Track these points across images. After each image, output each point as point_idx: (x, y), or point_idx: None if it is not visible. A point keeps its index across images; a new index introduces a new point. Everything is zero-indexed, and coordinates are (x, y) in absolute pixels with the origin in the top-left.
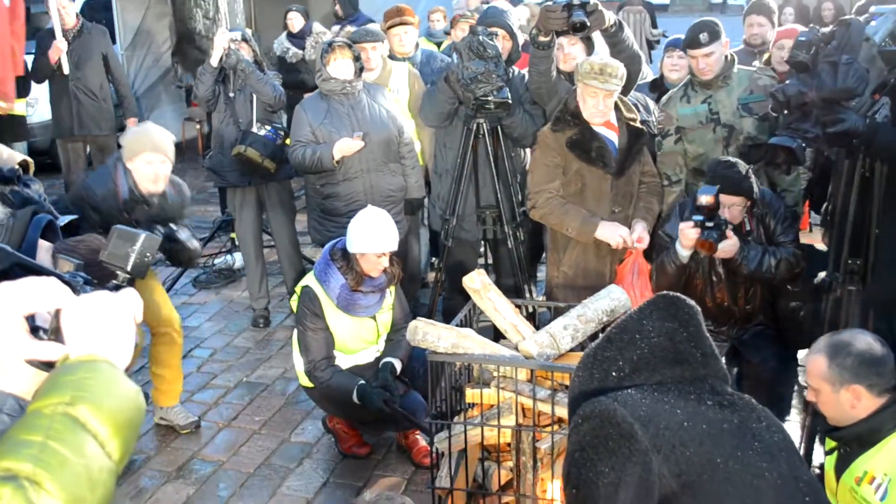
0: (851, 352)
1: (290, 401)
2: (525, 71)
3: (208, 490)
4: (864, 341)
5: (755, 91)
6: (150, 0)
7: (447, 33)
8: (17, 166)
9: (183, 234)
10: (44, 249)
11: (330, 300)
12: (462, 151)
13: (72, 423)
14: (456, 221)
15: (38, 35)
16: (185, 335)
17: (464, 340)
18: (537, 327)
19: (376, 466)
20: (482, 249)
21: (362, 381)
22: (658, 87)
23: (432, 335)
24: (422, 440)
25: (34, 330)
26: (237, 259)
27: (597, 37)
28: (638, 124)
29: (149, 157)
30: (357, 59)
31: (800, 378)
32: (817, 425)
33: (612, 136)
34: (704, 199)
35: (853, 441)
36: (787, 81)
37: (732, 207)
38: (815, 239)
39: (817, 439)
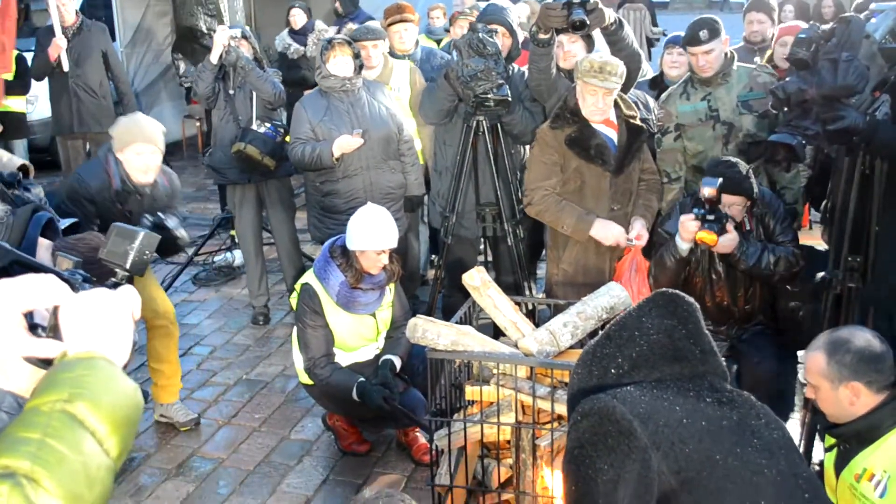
0: (850, 348)
1: (289, 398)
2: (525, 68)
3: (208, 487)
4: (863, 338)
5: (755, 88)
6: None
7: (447, 30)
8: (17, 170)
9: (171, 222)
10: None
11: (329, 297)
12: (462, 149)
13: (70, 421)
14: (455, 219)
15: (38, 32)
16: (185, 333)
17: (463, 338)
18: (537, 325)
19: (376, 464)
20: (482, 247)
21: (362, 379)
22: (658, 85)
23: (432, 332)
24: (421, 437)
25: (32, 327)
26: (237, 256)
27: (597, 34)
28: (637, 122)
29: (139, 148)
30: (357, 56)
31: (800, 376)
32: (817, 422)
33: (612, 134)
34: (707, 190)
35: (852, 438)
36: (787, 78)
37: (732, 207)
38: (814, 236)
39: (817, 436)
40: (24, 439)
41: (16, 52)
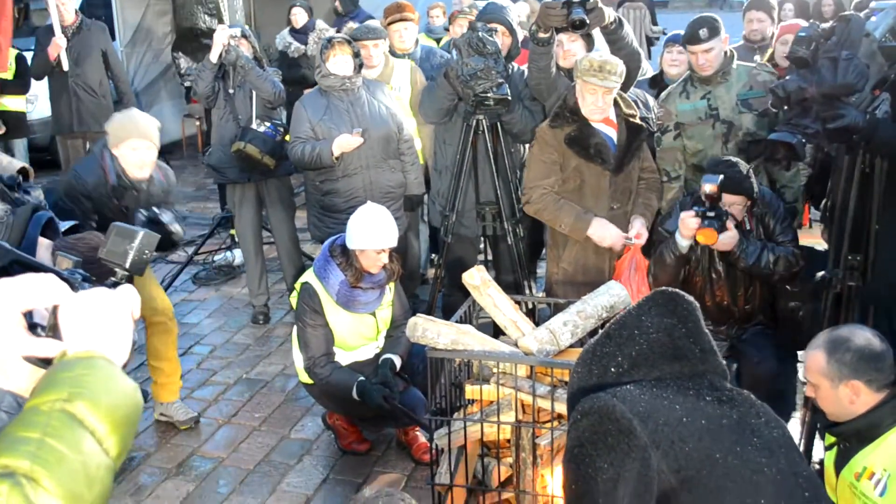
0: (850, 347)
1: (289, 397)
2: (524, 67)
3: (208, 487)
4: (863, 337)
5: (754, 87)
6: None
7: (446, 29)
8: (17, 173)
9: (166, 217)
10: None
11: (329, 297)
12: (461, 148)
13: (69, 420)
14: (455, 218)
15: (38, 32)
16: (185, 332)
17: (463, 337)
18: (537, 324)
19: (376, 463)
20: (482, 246)
21: (362, 378)
22: (658, 83)
23: (432, 331)
24: (421, 436)
25: (32, 327)
26: (237, 256)
27: (597, 33)
28: (637, 121)
29: (134, 144)
30: (356, 55)
31: (800, 374)
32: (817, 421)
33: (611, 133)
34: (708, 187)
35: (852, 437)
36: (787, 77)
37: (733, 206)
38: (814, 235)
39: (817, 435)
40: (24, 439)
41: (16, 52)
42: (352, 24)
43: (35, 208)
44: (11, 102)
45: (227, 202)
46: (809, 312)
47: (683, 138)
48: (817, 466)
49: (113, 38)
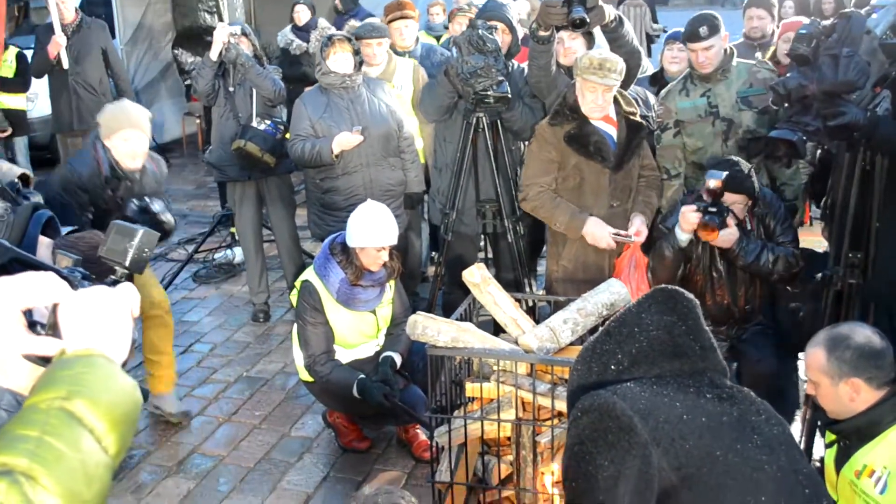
0: (850, 345)
1: (290, 395)
2: (525, 65)
3: (208, 485)
4: (863, 334)
5: (754, 84)
6: None
7: (446, 27)
8: (16, 179)
9: (156, 206)
10: (44, 246)
11: (330, 294)
12: (462, 145)
13: (68, 418)
14: (456, 215)
15: (38, 30)
16: (186, 330)
17: (463, 334)
18: (537, 321)
19: (376, 461)
20: (482, 243)
21: (362, 376)
22: (658, 81)
23: (432, 329)
24: (422, 434)
25: (32, 325)
26: (237, 254)
27: (597, 31)
28: (637, 118)
29: (126, 134)
30: (357, 52)
31: (800, 373)
32: (817, 419)
33: (611, 131)
34: (713, 182)
35: (853, 434)
36: (788, 74)
37: (734, 205)
38: (815, 232)
39: (817, 432)
40: (23, 437)
41: (16, 50)
42: (354, 23)
43: (36, 207)
44: (12, 101)
45: (227, 200)
46: (810, 313)
47: (683, 136)
48: (818, 464)
49: (113, 36)
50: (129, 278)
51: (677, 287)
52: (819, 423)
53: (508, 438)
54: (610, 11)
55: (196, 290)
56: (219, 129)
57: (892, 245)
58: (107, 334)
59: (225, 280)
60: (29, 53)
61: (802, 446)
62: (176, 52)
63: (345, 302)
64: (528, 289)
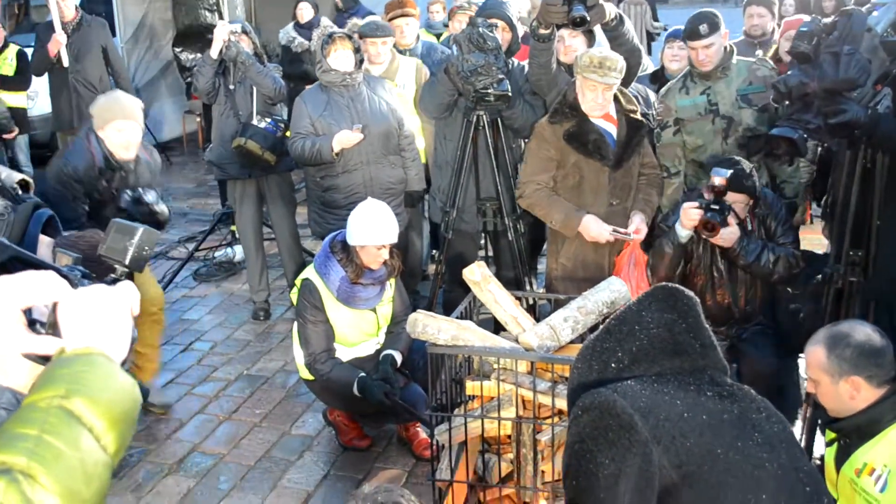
0: (850, 343)
1: (290, 393)
2: (525, 63)
3: (209, 483)
4: (863, 332)
5: (754, 82)
6: None
7: (445, 25)
8: (16, 185)
9: (150, 197)
10: (44, 244)
11: (330, 293)
12: (462, 143)
13: (67, 417)
14: (456, 213)
15: (38, 28)
16: (186, 328)
17: (464, 333)
18: (538, 319)
19: (377, 459)
20: (482, 241)
21: (363, 374)
22: (659, 79)
23: (432, 327)
24: (422, 432)
25: (31, 323)
26: (237, 252)
27: (598, 28)
28: (638, 116)
29: (119, 125)
30: (357, 50)
31: (800, 371)
32: (818, 417)
33: (611, 129)
34: (717, 179)
35: (853, 432)
36: (789, 72)
37: (735, 204)
38: (815, 230)
39: (818, 431)
40: (21, 435)
41: (16, 48)
42: (356, 21)
43: (36, 206)
44: (12, 99)
45: (227, 198)
46: (810, 314)
47: (683, 134)
48: (818, 462)
49: (113, 34)
50: (129, 277)
51: (677, 285)
52: (819, 421)
53: (509, 437)
54: (610, 9)
55: (196, 289)
56: (219, 127)
57: (893, 243)
58: (106, 333)
59: (225, 278)
60: (29, 52)
61: (803, 444)
62: (176, 50)
63: (345, 300)
64: (528, 287)
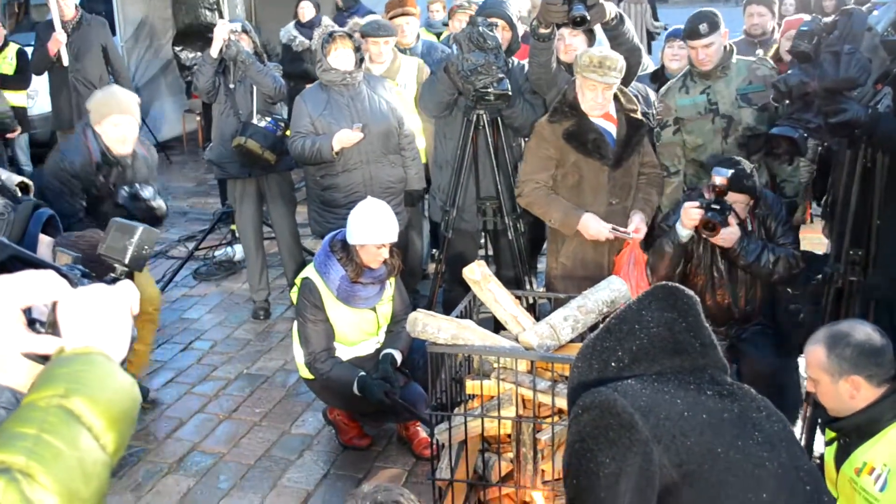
0: (850, 342)
1: (290, 392)
2: (525, 61)
3: (209, 482)
4: (863, 331)
5: (754, 81)
6: None
7: (445, 24)
8: (15, 188)
9: (146, 193)
10: (44, 244)
11: (330, 292)
12: (462, 142)
13: (66, 416)
14: (456, 212)
15: (38, 27)
16: (186, 327)
17: (464, 332)
18: (538, 318)
19: (377, 458)
20: (482, 240)
21: (363, 373)
22: (660, 78)
23: (432, 327)
24: (422, 432)
25: (31, 323)
26: (237, 251)
27: (598, 27)
28: (638, 115)
29: (116, 119)
30: (357, 49)
31: (800, 370)
32: (818, 416)
33: (611, 128)
34: (719, 179)
35: (852, 432)
36: (789, 71)
37: (735, 204)
38: (816, 230)
39: (818, 430)
40: (21, 434)
41: (16, 47)
42: (358, 20)
43: (36, 206)
44: (12, 98)
45: (227, 197)
46: (810, 315)
47: (683, 133)
48: (818, 461)
49: (113, 33)
50: (129, 276)
51: (678, 284)
52: (819, 420)
53: (509, 436)
54: (610, 9)
55: (196, 288)
56: (219, 126)
57: (893, 242)
58: (106, 332)
59: (225, 277)
60: (29, 50)
61: (803, 443)
62: (176, 49)
63: (345, 299)
64: (528, 286)
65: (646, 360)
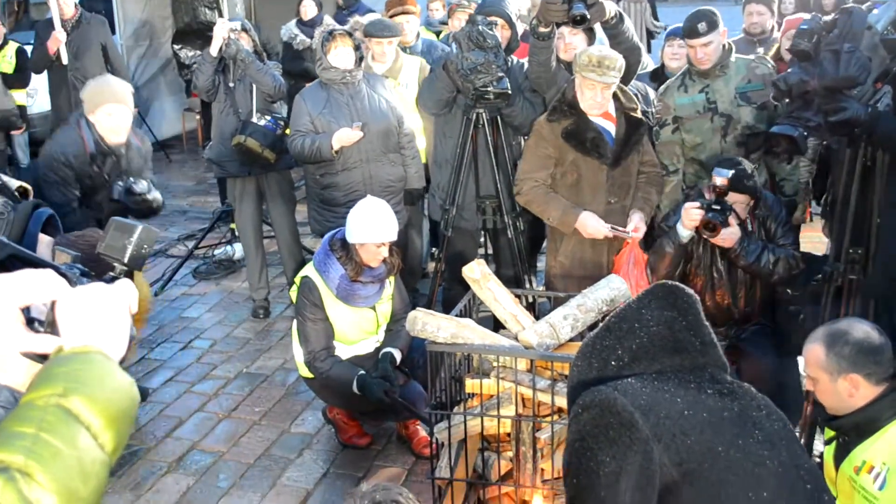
0: (849, 340)
1: (290, 391)
2: (524, 60)
3: (208, 481)
4: (862, 330)
5: (753, 80)
6: None
7: (445, 23)
8: (15, 192)
9: (140, 187)
10: (44, 244)
11: (329, 291)
12: (462, 141)
13: (64, 415)
14: (456, 211)
15: (37, 25)
16: (186, 326)
17: (463, 331)
18: (537, 317)
19: (376, 457)
20: (482, 239)
21: (362, 372)
22: (659, 77)
23: (432, 325)
24: (422, 430)
25: (30, 322)
26: (237, 250)
27: (598, 26)
28: (637, 114)
29: (109, 109)
30: (357, 48)
31: (800, 369)
32: (817, 414)
33: (610, 127)
34: (719, 180)
35: (851, 430)
36: (789, 70)
37: (736, 205)
38: (815, 229)
39: (817, 428)
40: (19, 433)
41: (16, 46)
42: (359, 19)
43: (36, 205)
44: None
45: (227, 196)
46: (810, 316)
47: (682, 132)
48: (817, 460)
49: (113, 32)
50: (128, 275)
51: (677, 283)
52: (818, 418)
53: (508, 435)
54: (610, 8)
55: (196, 287)
56: (219, 125)
57: (893, 241)
58: (105, 331)
59: (225, 276)
60: (29, 49)
61: (802, 442)
62: (176, 47)
63: (344, 298)
64: (528, 285)
65: (646, 358)
